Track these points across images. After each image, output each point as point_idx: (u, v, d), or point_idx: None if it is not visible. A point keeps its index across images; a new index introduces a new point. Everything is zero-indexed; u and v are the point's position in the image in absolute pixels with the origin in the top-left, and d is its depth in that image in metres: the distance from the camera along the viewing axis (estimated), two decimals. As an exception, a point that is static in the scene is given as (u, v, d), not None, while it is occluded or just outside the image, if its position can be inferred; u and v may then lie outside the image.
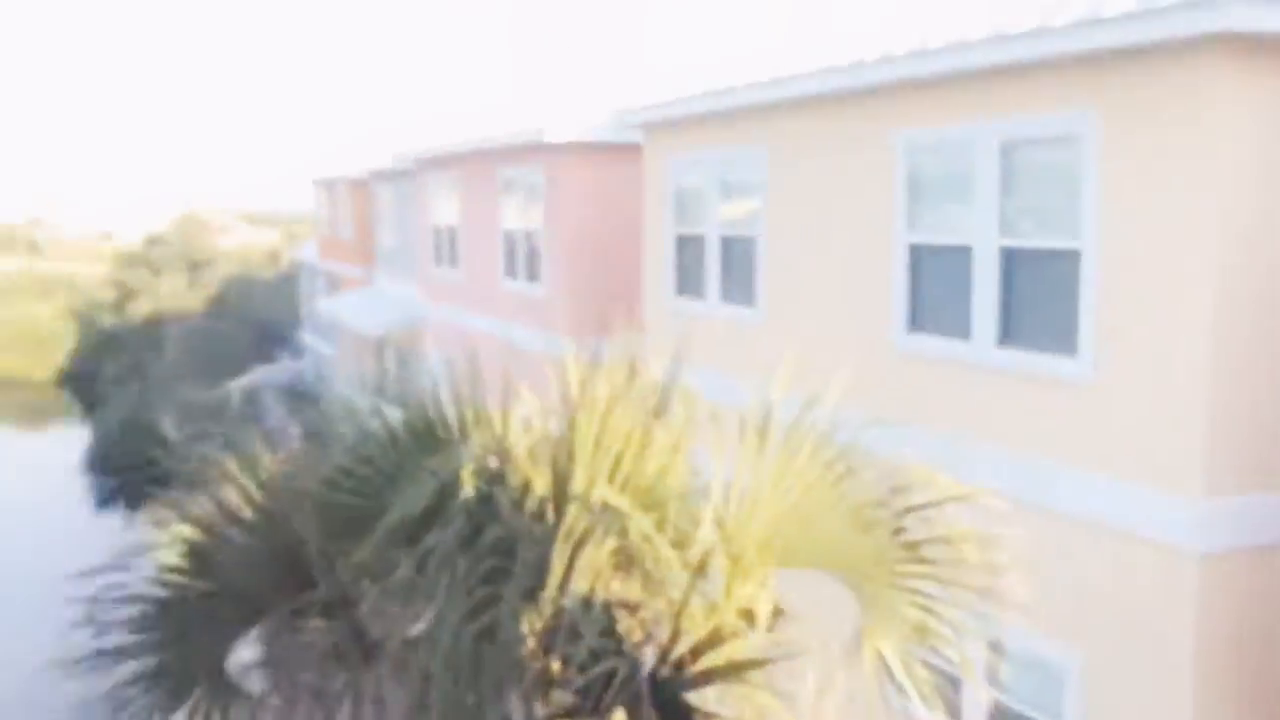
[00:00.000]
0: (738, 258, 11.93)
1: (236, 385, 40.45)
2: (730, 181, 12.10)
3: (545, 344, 15.58)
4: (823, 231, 10.47)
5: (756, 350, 11.09)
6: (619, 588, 4.06)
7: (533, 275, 17.77)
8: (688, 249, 12.95)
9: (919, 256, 9.22)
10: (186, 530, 4.54)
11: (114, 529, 34.97)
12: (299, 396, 37.39)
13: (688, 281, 12.95)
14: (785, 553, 4.27)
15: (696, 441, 4.46)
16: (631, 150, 14.82)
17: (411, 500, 3.84)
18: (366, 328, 27.24)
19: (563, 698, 3.70)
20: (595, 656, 3.58)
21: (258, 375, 42.26)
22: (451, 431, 4.42)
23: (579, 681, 3.48)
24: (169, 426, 38.58)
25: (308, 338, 41.75)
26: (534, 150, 16.78)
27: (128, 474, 37.83)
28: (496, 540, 3.66)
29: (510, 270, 18.57)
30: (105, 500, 39.18)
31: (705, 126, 12.31)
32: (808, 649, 4.05)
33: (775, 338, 11.14)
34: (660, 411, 4.37)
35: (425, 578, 3.87)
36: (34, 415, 56.54)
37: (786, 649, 3.95)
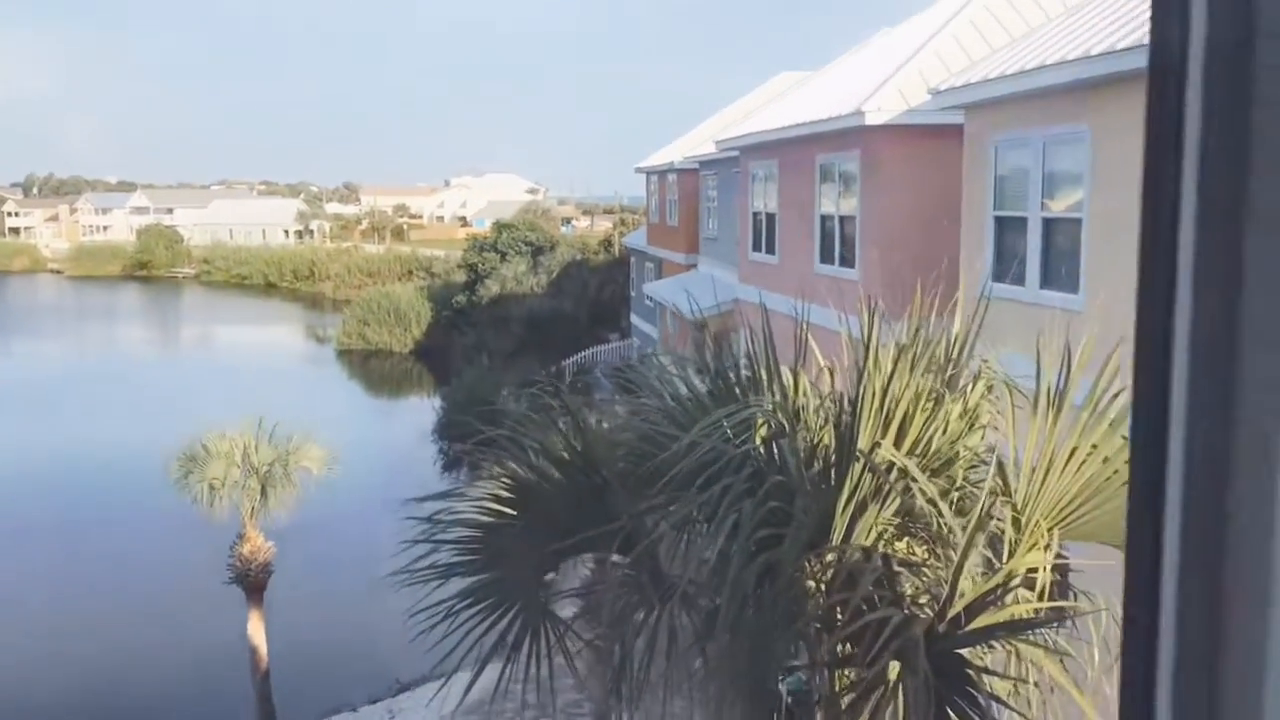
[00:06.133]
0: (1060, 241, 11.46)
1: (570, 362, 43.07)
2: (1055, 162, 11.64)
3: (856, 328, 15.57)
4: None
5: (1077, 338, 10.65)
6: (902, 548, 4.21)
7: (846, 260, 17.78)
8: (1007, 232, 12.57)
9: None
10: (511, 468, 5.14)
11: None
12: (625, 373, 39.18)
13: (1006, 265, 12.57)
14: (1075, 525, 4.24)
15: (998, 417, 4.49)
16: (952, 132, 14.52)
17: (701, 448, 4.17)
18: (686, 310, 28.21)
19: (838, 643, 3.90)
20: (870, 604, 3.74)
21: (590, 353, 44.79)
22: (746, 391, 4.73)
23: (852, 627, 3.65)
24: (507, 399, 41.76)
25: (635, 319, 43.70)
26: (852, 134, 16.78)
27: (469, 441, 41.29)
28: (777, 486, 3.91)
29: (825, 255, 18.68)
30: (450, 465, 43.06)
31: (1030, 104, 11.90)
32: (1090, 616, 4.03)
33: (1095, 325, 10.64)
34: (953, 382, 4.45)
35: (714, 520, 4.21)
36: (395, 384, 63.05)
37: (1066, 615, 3.96)
